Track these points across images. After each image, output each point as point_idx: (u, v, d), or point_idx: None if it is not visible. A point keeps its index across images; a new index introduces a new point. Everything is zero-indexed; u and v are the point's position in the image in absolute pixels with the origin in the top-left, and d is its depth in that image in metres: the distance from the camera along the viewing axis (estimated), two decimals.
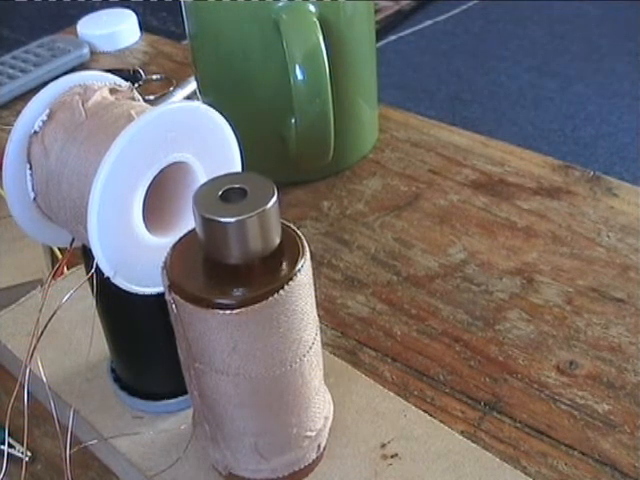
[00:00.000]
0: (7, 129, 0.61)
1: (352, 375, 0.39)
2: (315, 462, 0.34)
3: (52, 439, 0.39)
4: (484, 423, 0.38)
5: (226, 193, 0.28)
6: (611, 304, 0.44)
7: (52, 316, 0.33)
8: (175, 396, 0.37)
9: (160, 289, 0.30)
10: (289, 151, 0.53)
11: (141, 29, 0.80)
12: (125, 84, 0.34)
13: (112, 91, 0.33)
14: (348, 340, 0.43)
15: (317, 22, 0.48)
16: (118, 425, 0.37)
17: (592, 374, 0.40)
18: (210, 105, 0.32)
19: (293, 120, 0.50)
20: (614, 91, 1.77)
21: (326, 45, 0.48)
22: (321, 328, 0.33)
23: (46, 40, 0.76)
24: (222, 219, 0.27)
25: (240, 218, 0.27)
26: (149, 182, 0.31)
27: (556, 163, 0.55)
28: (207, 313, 0.28)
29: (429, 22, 2.12)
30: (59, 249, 0.48)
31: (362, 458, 0.35)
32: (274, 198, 0.28)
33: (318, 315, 0.32)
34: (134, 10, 0.80)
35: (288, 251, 0.30)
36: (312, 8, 0.49)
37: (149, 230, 0.32)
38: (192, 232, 0.31)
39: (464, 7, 2.17)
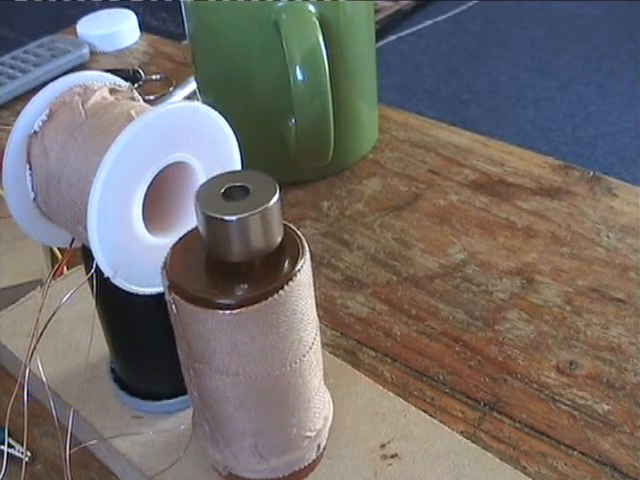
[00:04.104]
0: (7, 129, 0.61)
1: (352, 375, 0.39)
2: (315, 462, 0.34)
3: (52, 439, 0.39)
4: (484, 423, 0.38)
5: (228, 191, 0.28)
6: (611, 304, 0.44)
7: (52, 316, 0.33)
8: (175, 396, 0.37)
9: (160, 289, 0.30)
10: (289, 151, 0.53)
11: (141, 29, 0.80)
12: (125, 84, 0.34)
13: (112, 91, 0.33)
14: (348, 340, 0.43)
15: (317, 22, 0.48)
16: (118, 425, 0.37)
17: (592, 374, 0.40)
18: (210, 105, 0.32)
19: (293, 120, 0.50)
20: (614, 91, 1.77)
21: (326, 45, 0.48)
22: (321, 328, 0.33)
23: (46, 40, 0.76)
24: (224, 217, 0.27)
25: (242, 216, 0.27)
26: (149, 182, 0.31)
27: (556, 163, 0.55)
28: (207, 313, 0.28)
29: (429, 22, 2.12)
30: (59, 249, 0.48)
31: (362, 458, 0.35)
32: (276, 196, 0.28)
33: (318, 315, 0.32)
34: (134, 10, 0.80)
35: (288, 251, 0.30)
36: (312, 8, 0.49)
37: (149, 230, 0.32)
38: (192, 232, 0.31)
39: (464, 7, 2.17)
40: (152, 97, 0.67)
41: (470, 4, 2.18)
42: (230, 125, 0.33)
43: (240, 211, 0.27)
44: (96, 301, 0.35)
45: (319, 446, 0.34)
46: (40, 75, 0.71)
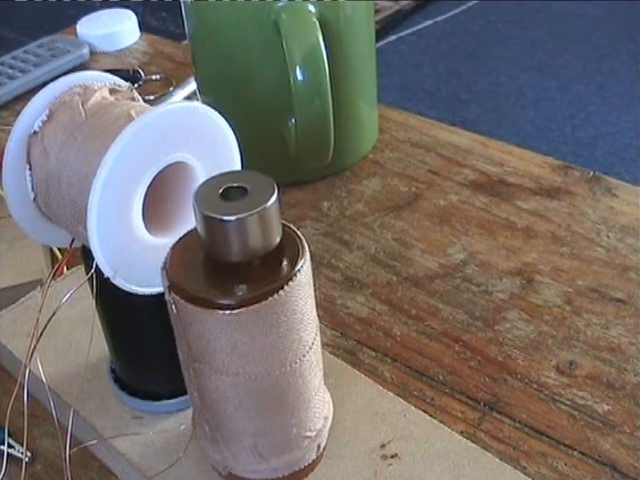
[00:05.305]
0: (7, 129, 0.61)
1: (352, 375, 0.39)
2: (315, 462, 0.34)
3: (52, 439, 0.39)
4: (484, 423, 0.38)
5: (227, 191, 0.28)
6: (611, 304, 0.44)
7: (52, 316, 0.33)
8: (175, 396, 0.37)
9: (160, 289, 0.30)
10: (289, 151, 0.53)
11: (141, 29, 0.80)
12: (125, 84, 0.34)
13: (112, 91, 0.33)
14: (348, 340, 0.43)
15: (317, 22, 0.48)
16: (118, 425, 0.37)
17: (592, 374, 0.40)
18: (210, 105, 0.32)
19: (293, 120, 0.50)
20: (614, 91, 1.77)
21: (326, 45, 0.48)
22: (321, 328, 0.33)
23: (46, 40, 0.76)
24: (223, 217, 0.27)
25: (241, 216, 0.27)
26: (149, 182, 0.31)
27: (556, 163, 0.55)
28: (207, 313, 0.28)
29: (429, 22, 2.12)
30: (59, 249, 0.48)
31: (362, 458, 0.35)
32: (274, 196, 0.28)
33: (318, 315, 0.32)
34: (134, 10, 0.80)
35: (288, 251, 0.30)
36: (312, 8, 0.49)
37: (149, 230, 0.32)
38: (192, 232, 0.31)
39: (464, 7, 2.17)
40: (152, 97, 0.67)
41: (470, 4, 2.18)
42: (230, 125, 0.33)
43: (238, 211, 0.27)
44: (96, 301, 0.35)
45: (319, 446, 0.34)
46: (40, 75, 0.71)
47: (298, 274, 0.29)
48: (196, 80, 0.59)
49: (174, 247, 0.30)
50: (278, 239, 0.29)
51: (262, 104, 0.53)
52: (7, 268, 0.48)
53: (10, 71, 0.71)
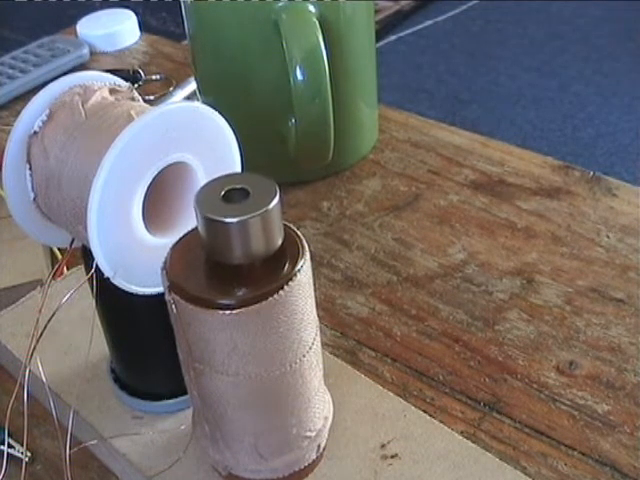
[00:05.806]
0: (7, 129, 0.61)
1: (352, 375, 0.39)
2: (315, 462, 0.34)
3: (52, 439, 0.39)
4: (484, 423, 0.38)
5: (228, 193, 0.28)
6: (611, 304, 0.44)
7: (52, 316, 0.33)
8: (175, 396, 0.37)
9: (160, 289, 0.30)
10: (289, 151, 0.53)
11: (141, 29, 0.80)
12: (125, 84, 0.34)
13: (112, 91, 0.33)
14: (348, 340, 0.43)
15: (317, 22, 0.48)
16: (118, 425, 0.37)
17: (592, 374, 0.40)
18: (210, 105, 0.32)
19: (293, 120, 0.50)
20: (614, 91, 1.77)
21: (326, 45, 0.48)
22: (321, 328, 0.33)
23: (46, 40, 0.76)
24: (224, 219, 0.27)
25: (242, 218, 0.27)
26: (149, 182, 0.31)
27: (556, 163, 0.55)
28: (207, 313, 0.28)
29: (429, 22, 2.12)
30: (59, 249, 0.48)
31: (362, 458, 0.35)
32: (276, 198, 0.28)
33: (318, 315, 0.32)
34: (134, 10, 0.80)
35: (288, 251, 0.30)
36: (312, 8, 0.49)
37: (149, 230, 0.32)
38: (192, 232, 0.31)
39: (464, 7, 2.17)
40: (152, 97, 0.67)
41: (470, 4, 2.18)
42: (230, 125, 0.33)
43: (240, 213, 0.27)
44: (96, 301, 0.35)
45: (319, 446, 0.34)
46: (40, 75, 0.71)
47: (298, 274, 0.29)
48: (196, 80, 0.59)
49: (174, 247, 0.30)
50: (279, 241, 0.29)
51: (262, 104, 0.53)
52: (7, 268, 0.48)
53: (10, 71, 0.71)
